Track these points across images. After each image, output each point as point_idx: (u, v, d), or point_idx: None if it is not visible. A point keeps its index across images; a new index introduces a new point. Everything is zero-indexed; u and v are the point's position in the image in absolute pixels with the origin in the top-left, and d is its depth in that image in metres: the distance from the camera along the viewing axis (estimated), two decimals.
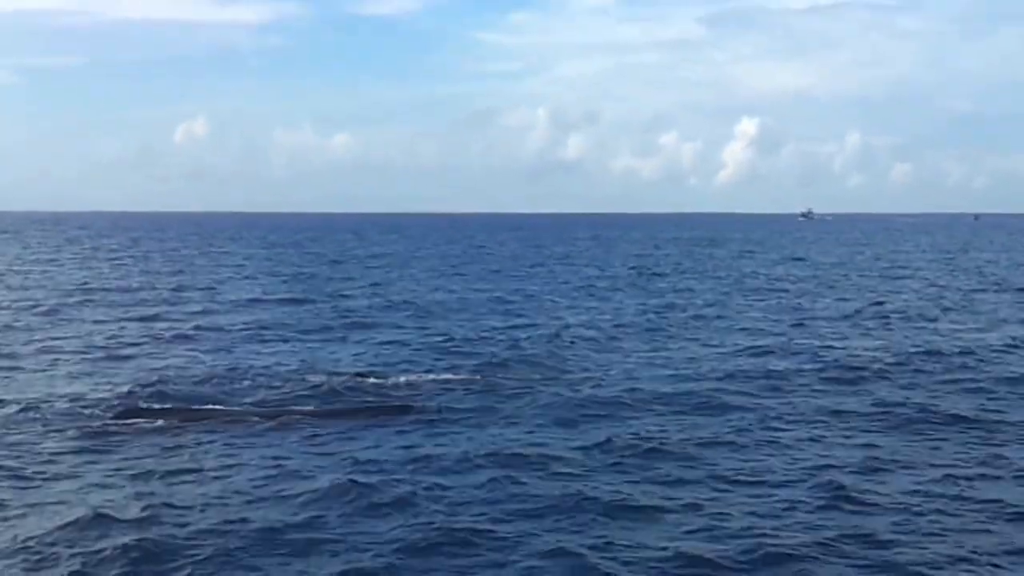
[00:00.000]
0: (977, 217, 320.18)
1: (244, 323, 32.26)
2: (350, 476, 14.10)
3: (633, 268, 64.42)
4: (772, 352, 26.15)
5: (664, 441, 16.35)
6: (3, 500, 13.40)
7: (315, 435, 16.94)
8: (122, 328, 31.05)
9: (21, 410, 18.63)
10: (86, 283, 48.32)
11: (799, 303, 39.81)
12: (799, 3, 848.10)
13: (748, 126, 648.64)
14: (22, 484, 14.16)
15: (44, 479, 14.42)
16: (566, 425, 17.76)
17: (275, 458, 15.42)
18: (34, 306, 36.83)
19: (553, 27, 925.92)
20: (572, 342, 27.94)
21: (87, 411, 18.61)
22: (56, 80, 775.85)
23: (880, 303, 38.92)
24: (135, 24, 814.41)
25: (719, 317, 34.76)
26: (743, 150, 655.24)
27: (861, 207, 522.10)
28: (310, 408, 19.03)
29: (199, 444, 16.33)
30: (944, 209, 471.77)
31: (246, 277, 54.62)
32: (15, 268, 60.12)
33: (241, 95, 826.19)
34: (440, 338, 28.63)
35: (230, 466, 15.03)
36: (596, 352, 26.44)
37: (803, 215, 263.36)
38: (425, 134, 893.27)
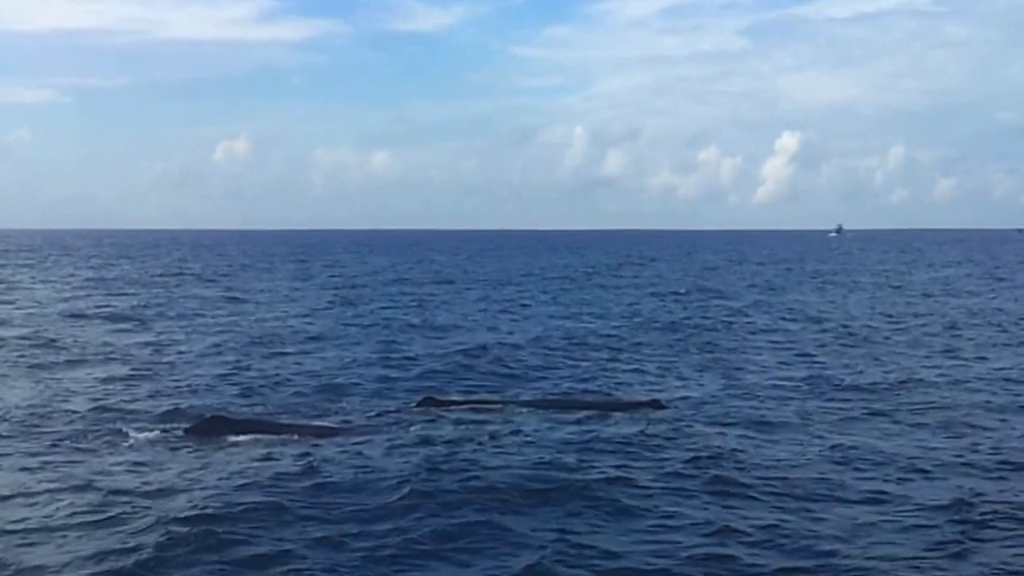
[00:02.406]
0: (1023, 231, 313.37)
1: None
2: None
3: None
4: None
5: None
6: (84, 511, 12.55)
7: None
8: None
9: (101, 418, 18.14)
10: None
11: None
12: (843, 12, 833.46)
13: (789, 140, 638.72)
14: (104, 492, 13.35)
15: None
16: None
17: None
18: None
19: (592, 41, 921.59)
20: None
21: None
22: (103, 99, 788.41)
23: None
24: (180, 44, 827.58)
25: None
26: (784, 165, 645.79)
27: (904, 222, 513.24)
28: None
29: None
30: (991, 224, 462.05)
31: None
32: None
33: (282, 113, 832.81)
34: None
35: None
36: None
37: (835, 231, 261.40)
38: (463, 151, 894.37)
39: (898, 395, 21.00)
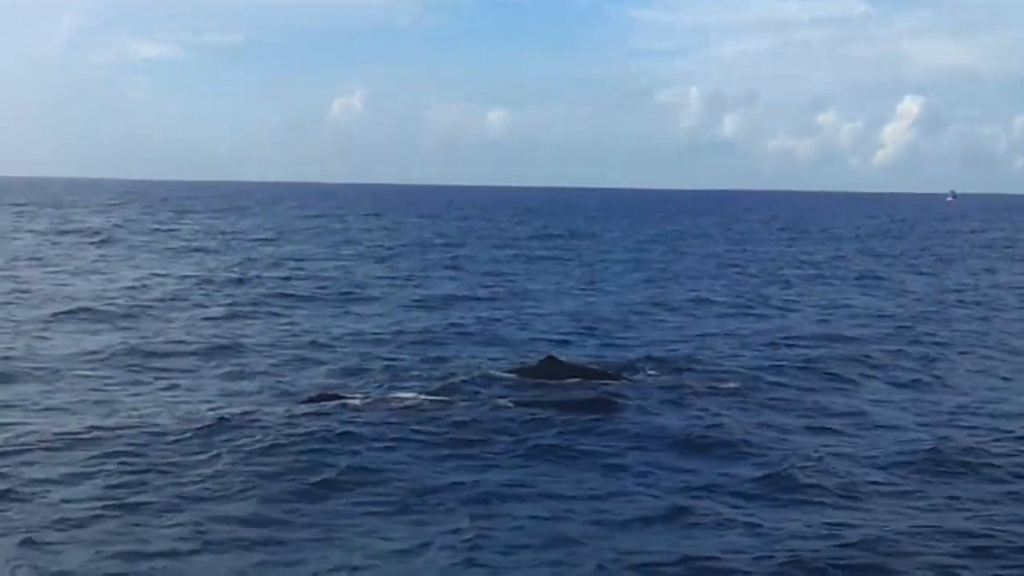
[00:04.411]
0: None
1: None
2: None
3: None
4: None
5: None
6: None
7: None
8: None
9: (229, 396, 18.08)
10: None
11: None
12: None
13: (911, 105, 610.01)
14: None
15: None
16: None
17: None
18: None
19: (711, 5, 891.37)
20: None
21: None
22: (220, 56, 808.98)
23: None
24: (296, 4, 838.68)
25: None
26: (905, 130, 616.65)
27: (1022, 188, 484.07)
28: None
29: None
30: None
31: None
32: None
33: (399, 71, 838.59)
34: None
35: None
36: None
37: (952, 196, 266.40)
38: (579, 111, 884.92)
39: None
